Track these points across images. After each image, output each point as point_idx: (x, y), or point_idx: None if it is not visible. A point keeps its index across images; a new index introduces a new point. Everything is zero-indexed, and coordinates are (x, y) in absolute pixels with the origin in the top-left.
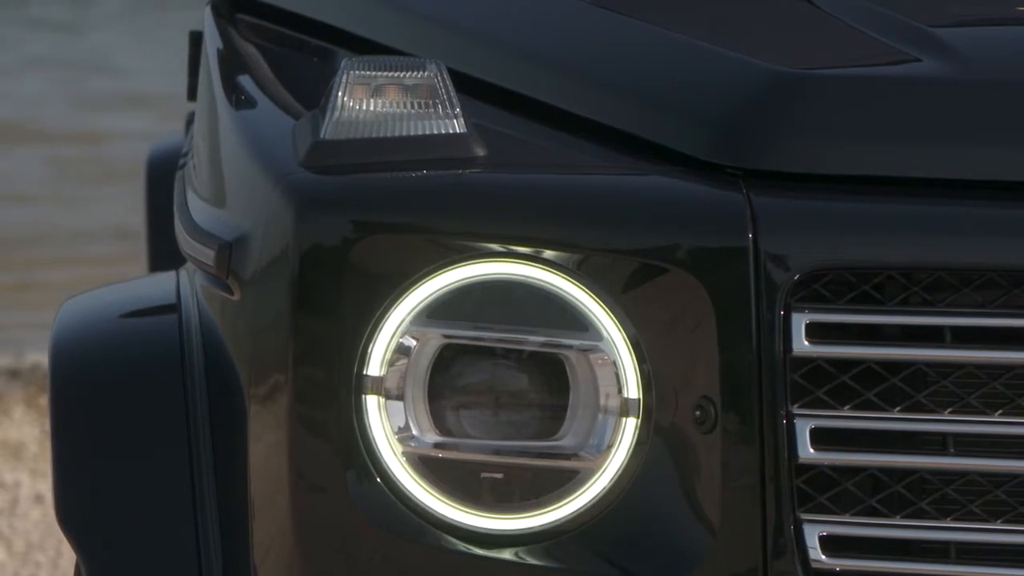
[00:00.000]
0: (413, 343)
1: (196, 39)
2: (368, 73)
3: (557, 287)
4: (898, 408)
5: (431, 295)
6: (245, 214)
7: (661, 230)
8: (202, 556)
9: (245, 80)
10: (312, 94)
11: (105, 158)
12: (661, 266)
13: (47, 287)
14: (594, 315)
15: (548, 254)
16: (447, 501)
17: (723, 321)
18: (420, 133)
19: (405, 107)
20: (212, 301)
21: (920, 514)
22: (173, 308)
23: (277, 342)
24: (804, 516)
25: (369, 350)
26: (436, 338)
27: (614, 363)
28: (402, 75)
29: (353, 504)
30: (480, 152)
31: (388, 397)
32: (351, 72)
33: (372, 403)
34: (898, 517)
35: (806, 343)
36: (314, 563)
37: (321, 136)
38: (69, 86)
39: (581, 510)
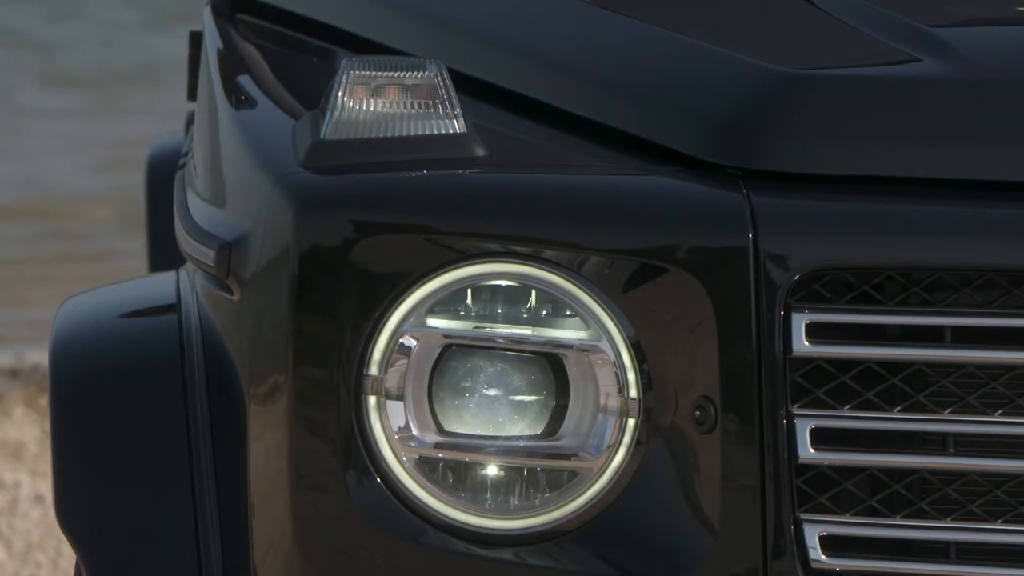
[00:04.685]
0: (413, 343)
1: (196, 39)
2: (368, 73)
3: (557, 287)
4: (898, 408)
5: (431, 295)
6: (245, 214)
7: (661, 230)
8: (202, 556)
9: (245, 80)
10: (312, 94)
11: None
12: (661, 266)
13: None
14: (594, 315)
15: (548, 254)
16: (447, 501)
17: (723, 321)
18: (420, 133)
19: (405, 107)
20: (212, 301)
21: (920, 514)
22: (173, 308)
23: (277, 342)
24: (804, 516)
25: (369, 350)
26: (436, 338)
27: (614, 363)
28: (402, 75)
29: (353, 504)
30: (480, 152)
31: (388, 397)
32: (351, 72)
33: (372, 403)
34: (898, 517)
35: (806, 343)
36: (314, 563)
37: (321, 136)
38: None
39: (581, 510)
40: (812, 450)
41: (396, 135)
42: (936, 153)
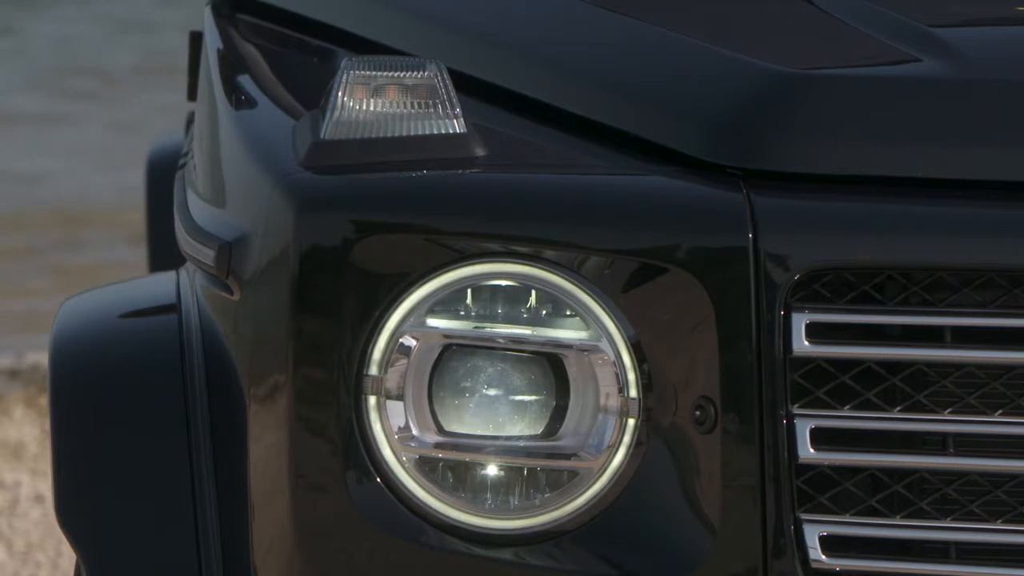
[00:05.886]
0: (413, 343)
1: (196, 39)
2: (368, 73)
3: (557, 287)
4: (898, 408)
5: (431, 295)
6: (245, 214)
7: (661, 230)
8: (202, 556)
9: (245, 80)
10: (312, 94)
11: None
12: (661, 266)
13: None
14: (594, 315)
15: (548, 254)
16: (447, 501)
17: (723, 321)
18: (420, 133)
19: (405, 107)
20: (212, 301)
21: (920, 514)
22: (173, 308)
23: (277, 342)
24: (804, 516)
25: (369, 350)
26: (436, 338)
27: (614, 363)
28: (402, 75)
29: (353, 504)
30: (480, 152)
31: (388, 397)
32: (351, 72)
33: (372, 403)
34: (898, 517)
35: (806, 343)
36: (314, 563)
37: (321, 136)
38: None
39: (581, 510)
40: (812, 450)
41: (396, 135)
42: (936, 153)
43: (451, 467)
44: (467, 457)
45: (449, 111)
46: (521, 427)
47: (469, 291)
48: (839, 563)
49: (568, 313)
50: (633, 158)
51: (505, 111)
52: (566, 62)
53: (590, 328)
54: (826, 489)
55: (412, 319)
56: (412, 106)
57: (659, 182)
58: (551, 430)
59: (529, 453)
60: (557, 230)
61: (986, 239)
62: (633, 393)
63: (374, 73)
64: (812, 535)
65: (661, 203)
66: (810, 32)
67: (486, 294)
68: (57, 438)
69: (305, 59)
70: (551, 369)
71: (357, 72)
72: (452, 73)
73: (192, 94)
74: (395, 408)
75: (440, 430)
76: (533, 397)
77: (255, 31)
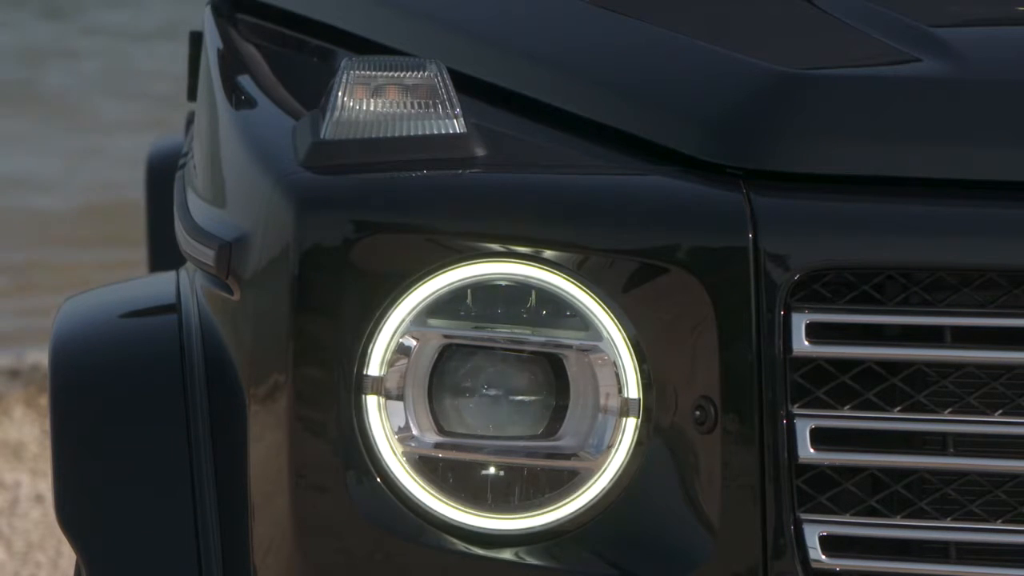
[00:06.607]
0: (413, 343)
1: (196, 39)
2: (368, 73)
3: (557, 287)
4: (898, 408)
5: (431, 295)
6: (245, 214)
7: (661, 230)
8: (202, 556)
9: (245, 80)
10: (312, 94)
11: None
12: (661, 266)
13: None
14: (594, 315)
15: (548, 254)
16: (447, 501)
17: (723, 321)
18: (420, 133)
19: (405, 107)
20: (212, 301)
21: (920, 514)
22: (173, 308)
23: (277, 342)
24: (804, 516)
25: (369, 350)
26: (436, 338)
27: (614, 363)
28: (402, 75)
29: (353, 504)
30: (480, 152)
31: (388, 397)
32: (351, 72)
33: (372, 403)
34: (898, 517)
35: (806, 343)
36: (314, 563)
37: (321, 136)
38: None
39: (581, 510)
40: (812, 450)
41: (396, 135)
42: (936, 153)
43: (451, 467)
44: (467, 457)
45: (449, 111)
46: (521, 427)
47: (469, 291)
48: (839, 563)
49: (568, 313)
50: (633, 158)
51: (505, 111)
52: (566, 62)
53: (590, 328)
54: (826, 489)
55: (412, 319)
56: (412, 106)
57: (659, 182)
58: (551, 430)
59: (529, 453)
60: (557, 230)
61: (986, 239)
62: (633, 393)
63: (374, 73)
64: (812, 535)
65: (661, 203)
66: (810, 32)
67: (486, 294)
68: (57, 438)
69: (305, 59)
70: (551, 369)
71: (357, 72)
72: (452, 73)
73: (192, 94)
74: (395, 408)
75: (440, 430)
76: (533, 397)
77: (255, 31)
